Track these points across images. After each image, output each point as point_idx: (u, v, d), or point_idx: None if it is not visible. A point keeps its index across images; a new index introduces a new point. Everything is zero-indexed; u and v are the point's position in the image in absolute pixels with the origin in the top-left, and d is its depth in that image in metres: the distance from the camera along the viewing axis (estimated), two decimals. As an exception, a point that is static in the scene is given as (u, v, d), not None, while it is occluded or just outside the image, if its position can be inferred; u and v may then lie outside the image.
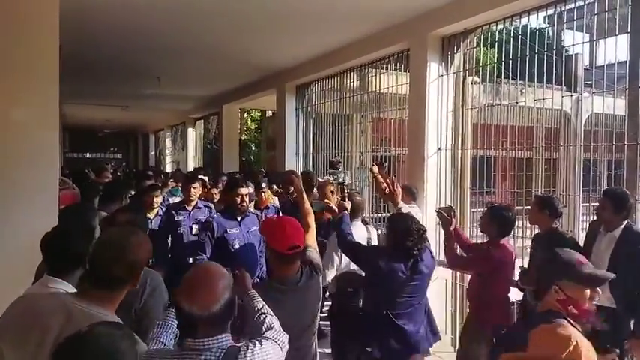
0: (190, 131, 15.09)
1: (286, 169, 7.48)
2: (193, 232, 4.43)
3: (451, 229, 3.54)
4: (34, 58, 3.43)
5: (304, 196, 2.84)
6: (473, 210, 5.39)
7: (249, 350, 1.52)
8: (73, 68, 7.13)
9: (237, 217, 3.75)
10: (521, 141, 6.28)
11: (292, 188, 4.04)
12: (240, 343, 1.56)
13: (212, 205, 5.03)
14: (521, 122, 6.21)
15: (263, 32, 5.76)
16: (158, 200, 4.84)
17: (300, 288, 2.26)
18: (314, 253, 2.46)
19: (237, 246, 3.64)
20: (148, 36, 5.98)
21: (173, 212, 4.60)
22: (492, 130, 5.19)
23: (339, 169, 5.17)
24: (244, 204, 3.73)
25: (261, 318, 1.87)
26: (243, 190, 3.74)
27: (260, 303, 1.95)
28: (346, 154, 7.39)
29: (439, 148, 5.03)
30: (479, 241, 3.99)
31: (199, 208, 4.73)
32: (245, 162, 14.31)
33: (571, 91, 7.86)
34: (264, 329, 1.78)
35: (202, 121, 14.50)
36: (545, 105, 4.75)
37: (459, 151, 5.04)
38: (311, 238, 2.55)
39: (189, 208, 4.65)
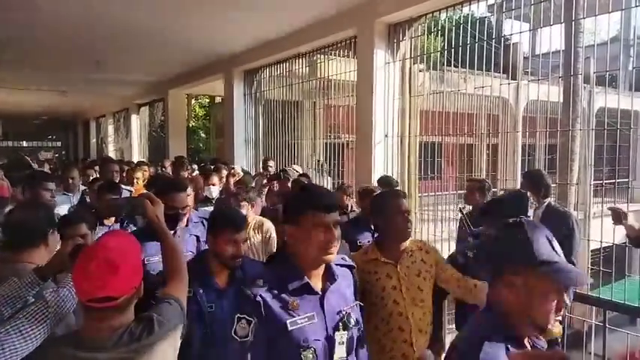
0: (134, 118, 14.50)
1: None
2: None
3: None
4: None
5: (163, 224, 1.87)
6: (419, 195, 5.53)
7: None
8: (4, 51, 6.66)
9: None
10: (465, 127, 6.48)
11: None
12: None
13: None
14: (465, 109, 6.40)
15: (208, 15, 5.57)
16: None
17: (112, 355, 1.36)
18: (168, 307, 1.54)
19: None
20: (85, 17, 5.63)
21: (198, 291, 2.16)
22: (438, 117, 5.32)
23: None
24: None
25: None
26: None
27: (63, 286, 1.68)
28: (297, 141, 7.35)
29: (386, 135, 5.09)
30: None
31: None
32: (193, 150, 13.96)
33: (511, 79, 8.18)
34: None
35: (147, 107, 13.97)
36: (488, 92, 4.91)
37: (406, 138, 5.13)
38: (174, 286, 1.68)
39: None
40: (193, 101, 15.29)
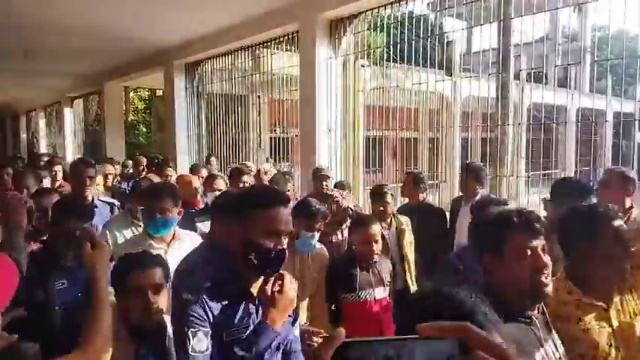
0: (68, 111, 13.74)
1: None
2: None
3: None
4: None
5: (99, 273, 1.36)
6: (366, 187, 5.63)
7: None
8: None
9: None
10: (406, 122, 6.65)
11: None
12: None
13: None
14: (407, 104, 6.55)
15: (145, 4, 5.36)
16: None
17: None
18: None
19: None
20: (7, 2, 5.25)
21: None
22: (380, 112, 5.41)
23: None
24: None
25: None
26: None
27: None
28: (243, 135, 7.25)
29: (329, 130, 5.13)
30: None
31: None
32: (132, 145, 13.42)
33: (449, 75, 8.47)
34: None
35: (81, 100, 13.28)
36: (429, 88, 5.06)
37: (350, 132, 5.20)
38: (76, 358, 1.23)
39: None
40: (132, 94, 14.70)
